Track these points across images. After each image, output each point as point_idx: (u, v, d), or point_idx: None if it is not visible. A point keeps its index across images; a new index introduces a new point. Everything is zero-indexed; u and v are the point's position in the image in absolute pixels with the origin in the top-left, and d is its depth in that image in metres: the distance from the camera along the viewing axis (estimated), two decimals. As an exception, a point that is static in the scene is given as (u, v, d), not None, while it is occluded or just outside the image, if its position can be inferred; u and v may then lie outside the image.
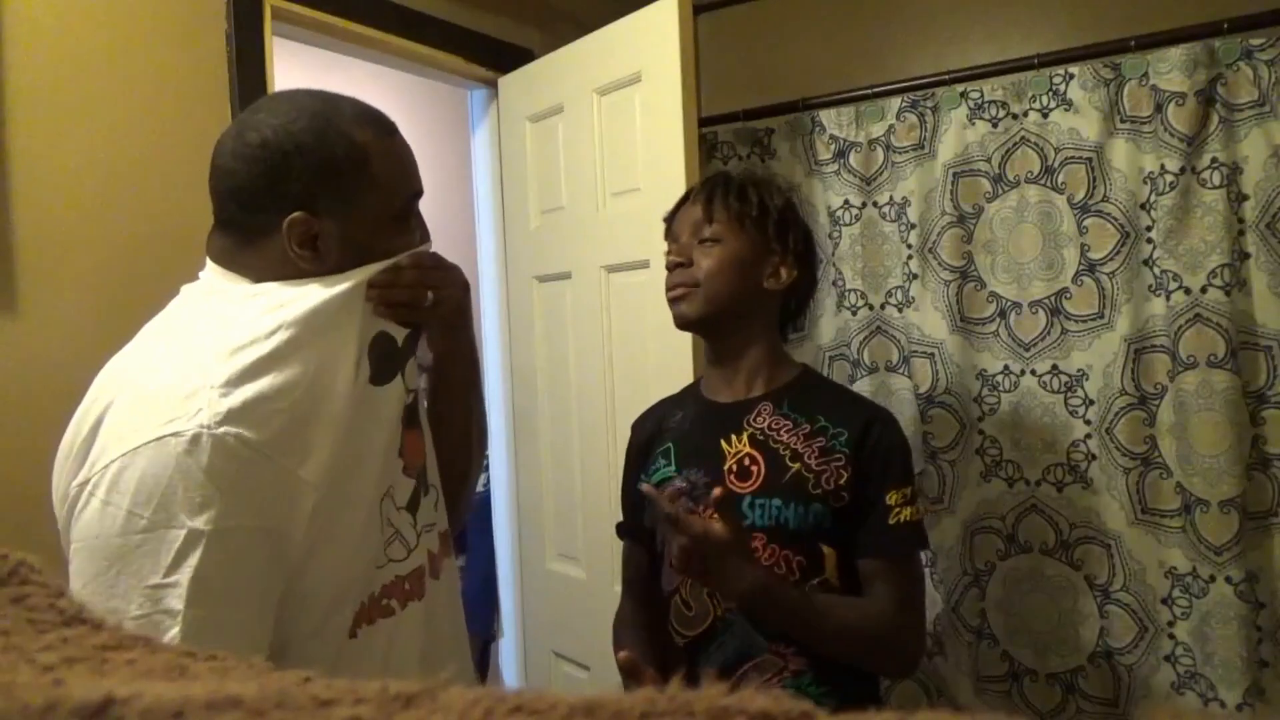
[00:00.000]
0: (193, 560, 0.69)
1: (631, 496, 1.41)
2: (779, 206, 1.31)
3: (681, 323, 1.32)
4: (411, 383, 0.94)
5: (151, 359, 0.79)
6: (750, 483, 1.24)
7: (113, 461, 0.71)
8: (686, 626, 1.27)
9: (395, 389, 0.88)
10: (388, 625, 0.88)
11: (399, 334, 0.89)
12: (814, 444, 1.24)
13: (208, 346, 0.77)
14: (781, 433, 1.26)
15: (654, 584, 1.35)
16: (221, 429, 0.71)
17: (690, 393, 1.42)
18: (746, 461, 1.25)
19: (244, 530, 0.72)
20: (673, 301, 1.30)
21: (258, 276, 0.84)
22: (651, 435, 1.39)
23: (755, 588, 1.13)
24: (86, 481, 0.72)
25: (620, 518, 1.47)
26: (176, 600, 0.68)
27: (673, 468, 1.31)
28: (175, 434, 0.71)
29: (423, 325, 0.95)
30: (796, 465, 1.23)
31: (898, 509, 1.22)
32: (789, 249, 1.31)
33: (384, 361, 0.86)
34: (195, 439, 0.70)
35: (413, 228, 0.92)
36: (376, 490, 0.87)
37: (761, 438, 1.26)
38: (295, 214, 0.82)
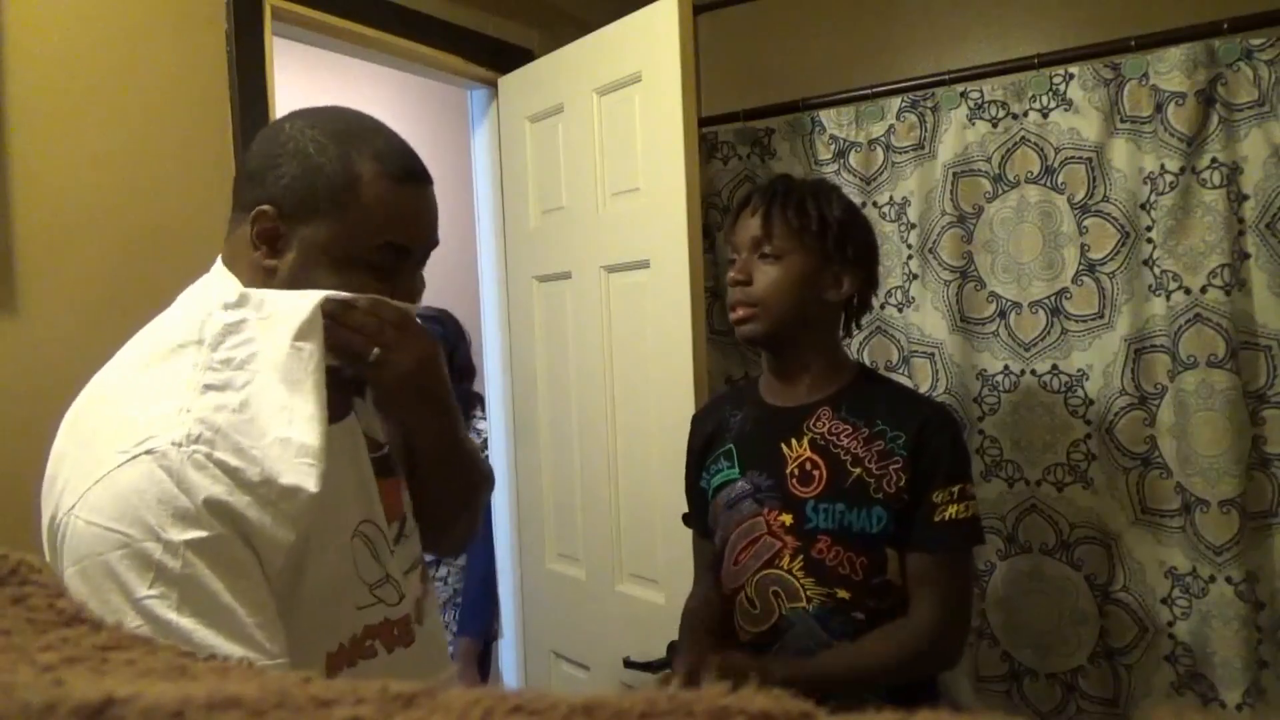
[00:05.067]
0: (175, 570, 0.70)
1: (694, 492, 1.47)
2: (838, 218, 1.31)
3: (744, 341, 1.36)
4: (379, 435, 0.94)
5: (129, 382, 0.79)
6: (813, 487, 1.28)
7: (93, 485, 0.72)
8: (751, 624, 1.32)
9: (349, 427, 0.88)
10: (370, 668, 0.87)
11: (347, 371, 0.87)
12: (873, 447, 1.28)
13: (184, 367, 0.77)
14: (841, 437, 1.30)
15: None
16: (192, 447, 0.72)
17: (749, 393, 1.44)
18: (808, 466, 1.29)
19: (225, 539, 0.72)
20: (736, 321, 1.33)
21: (241, 270, 0.84)
22: (712, 434, 1.43)
23: (788, 681, 1.18)
24: (71, 508, 0.72)
25: (685, 508, 1.52)
26: (168, 611, 0.69)
27: (736, 470, 1.36)
28: (148, 451, 0.71)
29: (366, 380, 0.90)
30: (858, 470, 1.27)
31: (943, 506, 1.26)
32: (849, 258, 1.32)
33: (333, 397, 0.81)
34: (165, 454, 0.71)
35: (392, 283, 0.86)
36: (347, 528, 0.86)
37: (822, 442, 1.30)
38: (265, 206, 0.83)
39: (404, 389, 0.88)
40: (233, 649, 0.70)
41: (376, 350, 0.83)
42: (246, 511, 0.73)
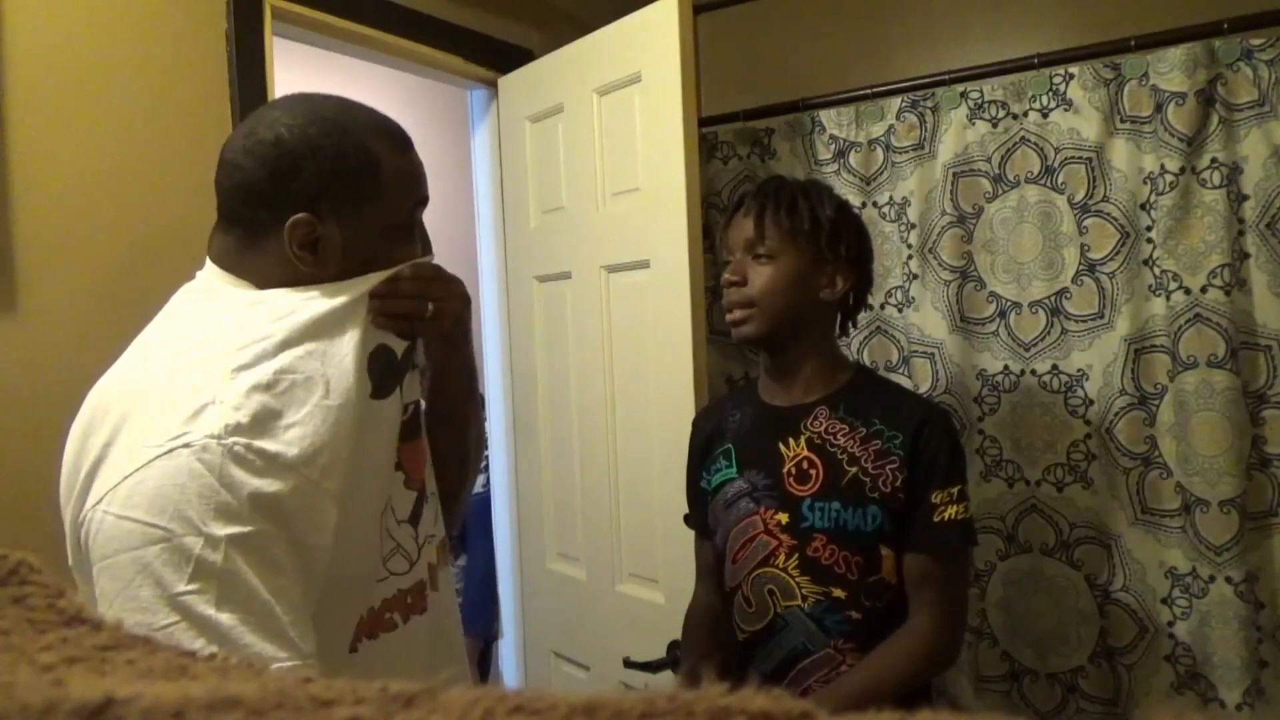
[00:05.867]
0: (216, 565, 0.69)
1: (694, 493, 1.48)
2: (830, 217, 1.33)
3: (740, 341, 1.38)
4: (412, 394, 0.94)
5: (154, 377, 0.78)
6: (809, 486, 1.29)
7: (124, 479, 0.71)
8: (747, 622, 1.33)
9: (393, 403, 0.88)
10: (390, 639, 0.87)
11: (398, 346, 0.89)
12: (870, 447, 1.28)
13: (212, 360, 0.76)
14: (838, 436, 1.30)
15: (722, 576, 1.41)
16: (231, 439, 0.71)
17: (748, 393, 1.46)
18: (805, 465, 1.30)
19: (265, 535, 0.72)
20: (732, 323, 1.34)
21: (258, 278, 0.84)
22: (712, 434, 1.44)
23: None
24: (98, 502, 0.71)
25: (686, 509, 1.53)
26: (206, 606, 0.68)
27: (734, 469, 1.37)
28: (185, 445, 0.70)
29: (421, 337, 0.94)
30: (854, 469, 1.28)
31: (943, 507, 1.27)
32: (842, 257, 1.33)
33: (384, 375, 0.85)
34: (205, 448, 0.70)
35: (415, 239, 0.92)
36: (377, 505, 0.86)
37: (819, 441, 1.31)
38: (299, 215, 0.82)
39: (456, 329, 0.97)
40: (267, 647, 0.69)
41: (430, 305, 0.90)
42: (291, 499, 0.73)
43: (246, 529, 0.70)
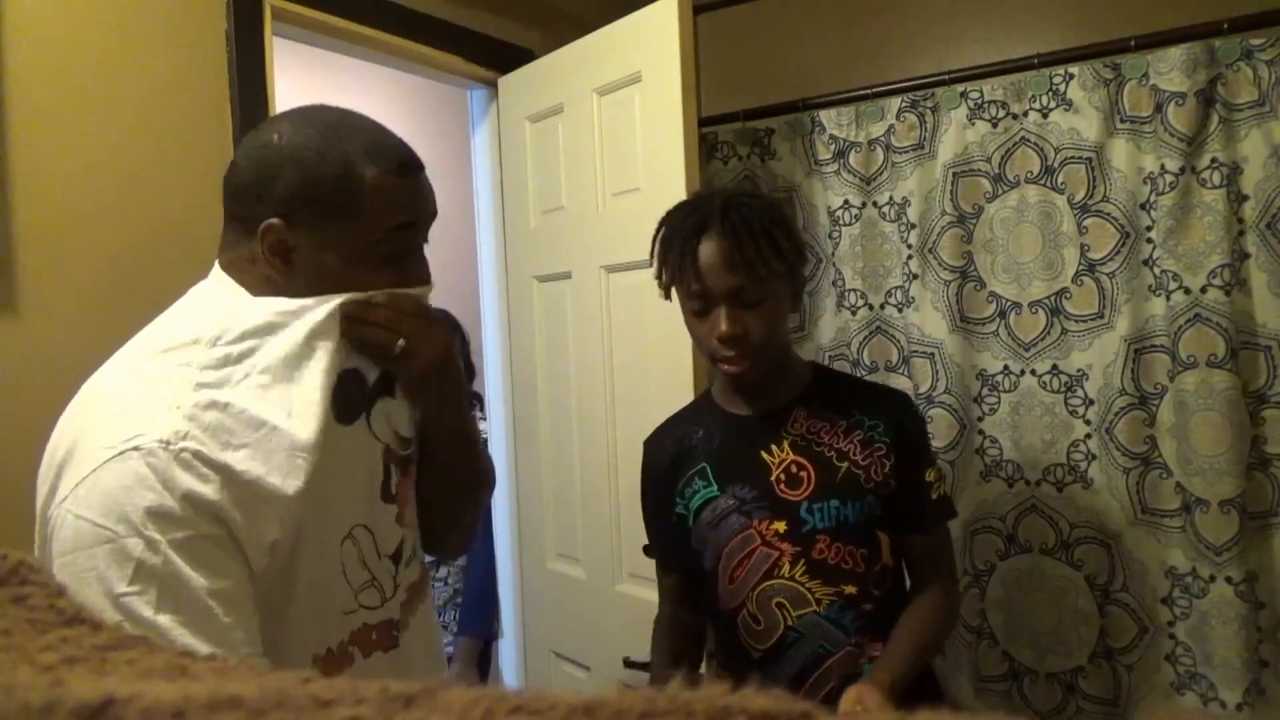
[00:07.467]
0: (156, 567, 0.70)
1: (657, 521, 1.41)
2: (800, 245, 1.30)
3: (738, 383, 1.31)
4: (401, 426, 0.93)
5: (124, 378, 0.80)
6: (803, 489, 1.27)
7: (84, 479, 0.72)
8: (757, 641, 1.29)
9: (361, 429, 0.88)
10: (349, 674, 0.87)
11: (371, 373, 0.88)
12: (854, 438, 1.29)
13: (179, 367, 0.77)
14: (822, 435, 1.29)
15: (694, 600, 1.39)
16: (179, 444, 0.72)
17: (705, 408, 1.40)
18: (794, 469, 1.28)
19: (209, 538, 0.73)
20: (736, 375, 1.25)
21: (241, 278, 0.85)
22: (675, 457, 1.37)
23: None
24: (62, 501, 0.73)
25: (644, 538, 1.47)
26: (145, 608, 0.69)
27: (714, 488, 1.31)
28: (136, 448, 0.72)
29: (391, 372, 0.91)
30: (845, 464, 1.27)
31: (935, 484, 1.32)
32: (803, 275, 1.35)
33: (350, 398, 0.84)
34: (153, 452, 0.72)
35: (402, 266, 0.88)
36: (338, 531, 0.86)
37: (803, 443, 1.29)
38: (272, 220, 0.82)
39: (429, 376, 0.91)
40: (206, 650, 0.69)
41: (401, 342, 0.86)
42: (232, 511, 0.74)
43: (188, 533, 0.71)
